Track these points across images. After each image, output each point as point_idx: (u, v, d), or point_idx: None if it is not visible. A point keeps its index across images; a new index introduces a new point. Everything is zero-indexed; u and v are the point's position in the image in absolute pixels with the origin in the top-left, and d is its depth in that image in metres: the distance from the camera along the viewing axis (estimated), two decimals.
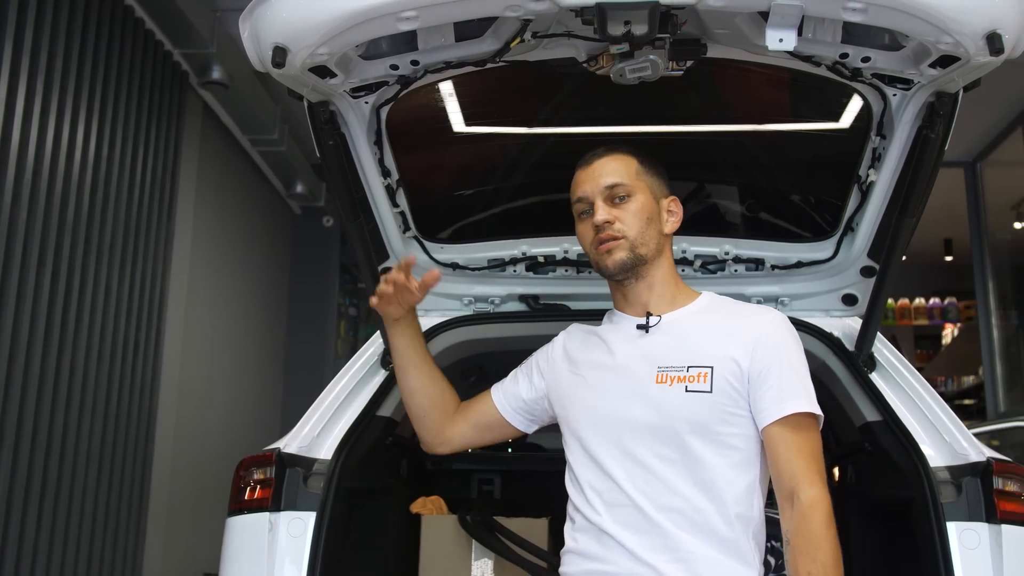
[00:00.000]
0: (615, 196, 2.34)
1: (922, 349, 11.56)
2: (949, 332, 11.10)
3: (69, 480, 4.49)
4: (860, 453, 2.86)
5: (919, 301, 11.26)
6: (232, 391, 6.91)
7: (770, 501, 2.26)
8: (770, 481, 2.26)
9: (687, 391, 2.22)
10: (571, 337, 2.56)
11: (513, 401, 2.57)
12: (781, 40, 2.06)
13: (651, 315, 2.37)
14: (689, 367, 2.24)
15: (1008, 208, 8.14)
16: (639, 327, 2.37)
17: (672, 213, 2.42)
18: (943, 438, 2.63)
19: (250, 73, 5.96)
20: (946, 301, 11.16)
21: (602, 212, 2.33)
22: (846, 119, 2.67)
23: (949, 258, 10.74)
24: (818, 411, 2.23)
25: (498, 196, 3.16)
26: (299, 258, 8.34)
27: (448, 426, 2.58)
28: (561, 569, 2.33)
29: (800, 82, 2.54)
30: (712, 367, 2.23)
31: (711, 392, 2.21)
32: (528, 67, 2.40)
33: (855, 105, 2.58)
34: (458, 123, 2.81)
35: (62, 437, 4.44)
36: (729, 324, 2.32)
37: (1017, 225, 8.11)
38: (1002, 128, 7.68)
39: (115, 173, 4.94)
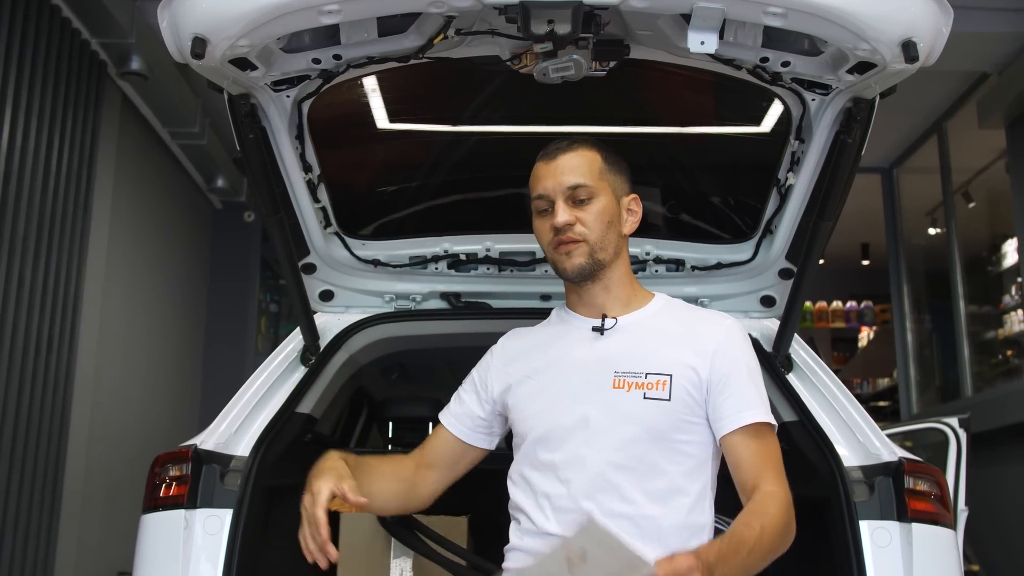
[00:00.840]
0: (577, 197, 2.27)
1: (839, 351, 11.78)
2: (865, 335, 11.33)
3: None
4: None
5: (836, 304, 11.44)
6: (149, 387, 6.78)
7: (719, 508, 2.26)
8: (718, 487, 2.26)
9: (645, 398, 2.19)
10: (512, 340, 2.48)
11: (468, 421, 2.43)
12: (703, 43, 2.08)
13: (607, 317, 2.32)
14: (647, 374, 2.21)
15: (923, 214, 8.34)
16: (594, 329, 2.32)
17: (632, 212, 2.35)
18: (857, 438, 2.67)
19: (170, 64, 5.84)
20: (863, 304, 11.35)
21: (563, 214, 2.24)
22: (767, 123, 2.70)
23: (866, 262, 10.93)
24: (773, 420, 2.22)
25: (421, 193, 3.15)
26: (220, 253, 8.21)
27: (417, 489, 2.40)
28: (505, 564, 2.29)
29: (722, 85, 2.55)
30: (671, 375, 2.20)
31: (669, 400, 2.18)
32: (452, 64, 2.39)
33: (775, 109, 2.61)
34: (382, 119, 2.79)
35: None
36: (687, 331, 2.29)
37: (931, 231, 8.31)
38: (918, 136, 7.86)
39: (29, 164, 4.81)
